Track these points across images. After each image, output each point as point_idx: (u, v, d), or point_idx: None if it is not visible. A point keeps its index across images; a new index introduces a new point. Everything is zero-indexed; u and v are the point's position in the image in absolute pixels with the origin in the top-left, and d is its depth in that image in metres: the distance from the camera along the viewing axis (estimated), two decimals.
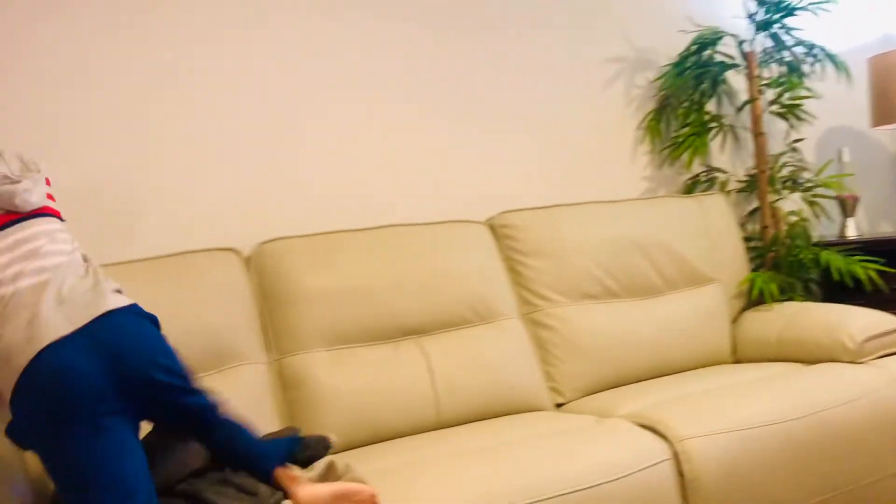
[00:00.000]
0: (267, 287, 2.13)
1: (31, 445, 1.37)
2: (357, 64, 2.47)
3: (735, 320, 2.60)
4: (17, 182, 1.52)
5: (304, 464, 1.70)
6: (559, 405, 2.29)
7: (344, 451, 1.95)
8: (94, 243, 2.10)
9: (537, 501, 1.62)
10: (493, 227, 2.43)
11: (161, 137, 2.24)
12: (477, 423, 2.12)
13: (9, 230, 1.48)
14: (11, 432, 1.37)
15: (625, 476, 1.70)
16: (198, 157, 2.28)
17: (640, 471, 1.72)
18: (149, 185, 2.23)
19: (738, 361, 2.52)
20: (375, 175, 2.47)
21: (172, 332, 1.93)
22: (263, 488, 1.54)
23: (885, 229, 3.36)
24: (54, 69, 2.13)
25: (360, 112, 2.46)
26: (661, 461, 1.76)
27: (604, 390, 2.32)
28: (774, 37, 2.83)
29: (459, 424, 2.13)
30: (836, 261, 2.61)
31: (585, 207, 2.52)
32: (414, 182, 2.51)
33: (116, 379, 1.37)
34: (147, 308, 1.84)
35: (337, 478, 1.70)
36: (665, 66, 2.86)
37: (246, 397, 1.99)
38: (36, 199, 1.54)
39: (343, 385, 2.05)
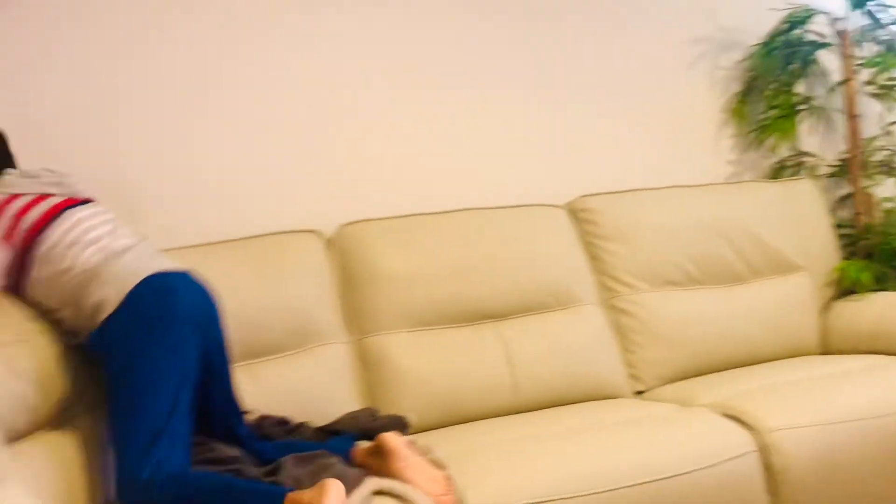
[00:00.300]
0: (348, 268, 2.15)
1: (114, 351, 1.52)
2: (434, 49, 2.46)
3: (824, 310, 2.50)
4: (66, 177, 1.77)
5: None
6: (639, 393, 2.25)
7: (421, 432, 1.96)
8: (181, 226, 2.18)
9: (617, 489, 1.60)
10: (572, 212, 2.40)
11: (248, 124, 2.29)
12: (554, 408, 2.10)
13: (84, 206, 1.70)
14: (96, 340, 1.54)
15: (709, 467, 1.66)
16: (280, 142, 2.32)
17: (724, 462, 1.68)
18: (231, 169, 2.28)
19: (826, 353, 2.43)
20: (454, 159, 2.47)
21: (256, 311, 1.99)
22: (340, 466, 1.56)
23: None
24: (172, 63, 2.20)
25: (440, 97, 2.46)
26: (747, 452, 1.72)
27: (685, 379, 2.27)
28: (870, 14, 2.71)
29: (536, 409, 2.11)
30: None
31: (667, 192, 2.47)
32: (493, 166, 2.50)
33: (205, 321, 1.61)
34: (231, 288, 1.90)
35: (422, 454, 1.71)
36: (752, 46, 2.76)
37: (327, 376, 2.03)
38: (85, 190, 1.77)
39: (421, 367, 2.06)
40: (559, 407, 2.11)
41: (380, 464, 1.58)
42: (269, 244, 2.11)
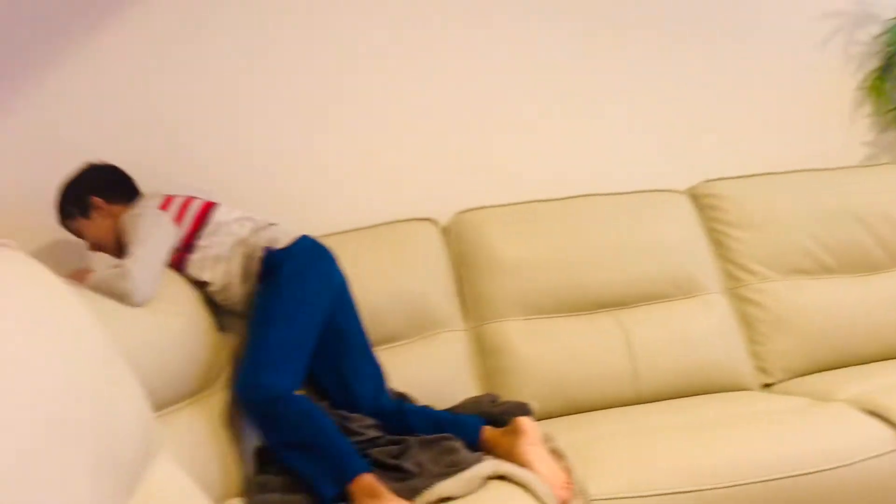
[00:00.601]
0: (464, 256, 2.16)
1: (274, 277, 1.75)
2: (551, 33, 2.42)
3: None
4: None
5: (499, 422, 1.73)
6: (766, 386, 2.15)
7: (539, 420, 1.93)
8: (304, 217, 2.24)
9: (747, 483, 1.54)
10: (695, 197, 2.31)
11: (367, 116, 2.33)
12: (676, 399, 2.04)
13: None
14: (270, 259, 1.78)
15: (848, 465, 1.57)
16: (397, 131, 2.34)
17: (865, 460, 1.59)
18: (351, 160, 2.32)
19: None
20: (572, 145, 2.42)
21: (375, 299, 2.03)
22: (464, 450, 1.57)
23: None
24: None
25: (556, 82, 2.42)
26: (891, 451, 1.61)
27: (817, 372, 2.14)
28: None
29: (657, 400, 2.05)
30: None
31: (798, 175, 2.34)
32: (612, 151, 2.44)
33: (340, 290, 1.90)
34: (351, 276, 1.96)
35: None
36: (891, 19, 2.58)
37: (446, 364, 2.05)
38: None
39: (539, 355, 2.05)
40: (681, 398, 2.05)
41: (508, 443, 1.60)
42: (386, 233, 2.15)
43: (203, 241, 1.83)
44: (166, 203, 1.87)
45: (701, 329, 2.12)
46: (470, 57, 2.38)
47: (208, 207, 1.89)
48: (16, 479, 0.57)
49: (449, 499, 1.38)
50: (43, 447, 0.62)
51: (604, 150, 2.43)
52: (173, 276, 1.76)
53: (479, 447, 1.63)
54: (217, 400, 1.66)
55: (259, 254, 1.79)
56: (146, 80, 2.23)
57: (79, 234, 1.94)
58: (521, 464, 1.55)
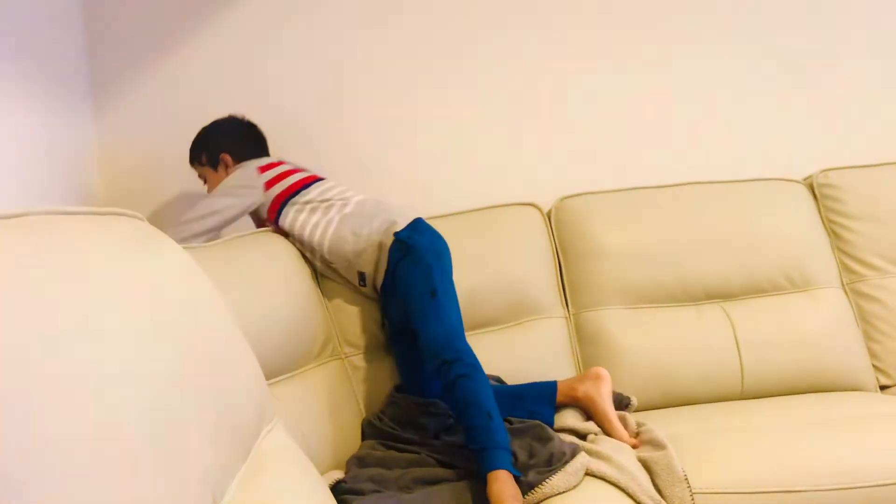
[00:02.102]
0: (566, 242, 2.14)
1: (424, 251, 1.77)
2: (659, 15, 2.36)
3: None
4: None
5: None
6: (883, 387, 2.04)
7: (638, 411, 1.91)
8: (408, 200, 2.27)
9: (853, 488, 1.46)
10: (812, 187, 2.21)
11: (470, 101, 2.34)
12: (785, 397, 1.96)
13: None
14: (406, 236, 1.80)
15: None
16: (501, 116, 2.34)
17: None
18: (455, 143, 2.34)
19: None
20: (679, 130, 2.35)
21: (475, 282, 2.03)
22: (557, 439, 1.56)
23: None
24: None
25: (664, 65, 2.35)
26: None
27: None
28: None
29: (764, 397, 1.98)
30: None
31: None
32: (720, 137, 2.35)
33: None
34: (453, 257, 1.97)
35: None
36: None
37: (544, 350, 2.04)
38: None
39: (641, 345, 2.01)
40: (790, 396, 1.97)
41: (588, 388, 1.73)
42: (489, 217, 2.15)
43: (306, 209, 1.87)
44: (267, 167, 1.93)
45: (814, 325, 2.02)
46: (577, 42, 2.35)
47: (311, 179, 1.93)
48: (145, 437, 0.60)
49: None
50: (169, 407, 0.66)
51: (715, 136, 2.35)
52: (287, 247, 1.82)
53: (557, 405, 1.75)
54: (321, 372, 1.71)
55: (385, 227, 1.82)
56: (264, 57, 2.32)
57: (203, 179, 2.06)
58: (600, 411, 1.70)
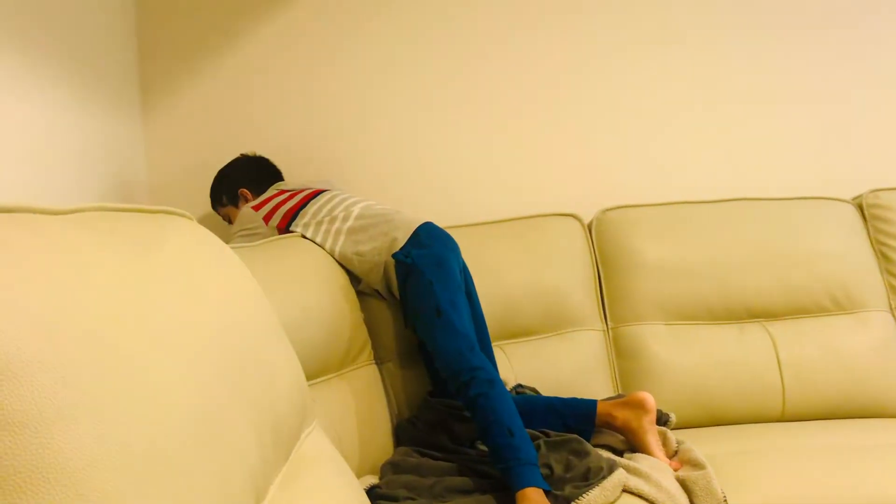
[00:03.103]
0: (606, 254, 2.12)
1: (424, 267, 1.70)
2: (703, 29, 2.33)
3: None
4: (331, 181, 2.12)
5: None
6: None
7: (676, 428, 1.88)
8: (450, 207, 2.27)
9: None
10: (862, 207, 2.16)
11: (514, 112, 2.34)
12: (828, 421, 1.93)
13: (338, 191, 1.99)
14: (404, 255, 1.74)
15: None
16: (545, 127, 2.33)
17: None
18: (497, 153, 2.33)
19: None
20: (725, 147, 2.32)
21: (513, 291, 2.02)
22: (594, 454, 1.54)
23: None
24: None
25: (709, 79, 2.33)
26: None
27: None
28: None
29: (806, 420, 1.95)
30: None
31: None
32: (768, 154, 2.32)
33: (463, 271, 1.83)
34: (491, 267, 1.96)
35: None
36: None
37: (581, 363, 2.02)
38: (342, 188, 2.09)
39: (680, 362, 1.98)
40: (833, 420, 1.93)
41: (629, 417, 1.62)
42: (529, 226, 2.14)
43: (300, 227, 1.87)
44: (260, 205, 1.95)
45: (859, 348, 1.98)
46: (624, 54, 2.33)
47: (304, 200, 1.92)
48: (195, 435, 0.61)
49: None
50: (218, 406, 0.66)
51: (763, 153, 2.32)
52: (323, 252, 1.83)
53: (595, 423, 1.65)
54: (357, 376, 1.71)
55: (387, 245, 1.77)
56: (309, 65, 2.34)
57: (227, 220, 2.13)
58: (641, 441, 1.60)
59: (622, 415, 1.64)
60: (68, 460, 0.46)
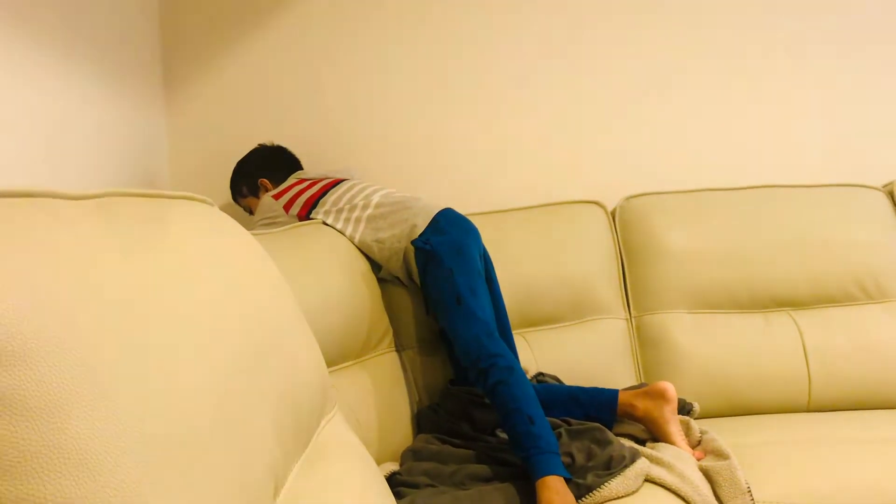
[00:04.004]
0: (630, 242, 2.10)
1: (444, 254, 1.69)
2: (731, 14, 2.29)
3: None
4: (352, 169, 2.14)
5: None
6: None
7: (700, 418, 1.87)
8: (471, 193, 2.26)
9: None
10: (892, 194, 2.12)
11: (538, 99, 2.31)
12: (856, 412, 1.89)
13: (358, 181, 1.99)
14: (423, 242, 1.73)
15: None
16: (570, 114, 2.31)
17: None
18: (520, 140, 2.32)
19: None
20: (752, 133, 2.29)
21: (536, 279, 2.01)
22: (616, 443, 1.52)
23: None
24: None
25: (735, 63, 2.29)
26: None
27: None
28: None
29: (832, 410, 1.92)
30: None
31: None
32: (795, 140, 2.28)
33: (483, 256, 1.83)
34: (514, 255, 1.94)
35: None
36: None
37: (604, 351, 2.00)
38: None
39: (704, 351, 1.96)
40: (862, 411, 1.89)
41: (650, 407, 1.61)
42: (553, 214, 2.12)
43: (320, 215, 1.87)
44: (280, 194, 1.95)
45: (888, 338, 1.94)
46: (647, 41, 2.30)
47: (323, 189, 1.92)
48: (214, 421, 0.60)
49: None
50: (237, 391, 0.66)
51: (790, 139, 2.28)
52: (344, 239, 1.82)
53: (617, 413, 1.64)
54: (377, 363, 1.71)
55: (407, 233, 1.77)
56: (329, 54, 2.33)
57: (248, 210, 2.14)
58: (663, 433, 1.58)
59: (643, 405, 1.62)
60: (84, 446, 0.46)
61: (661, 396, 1.61)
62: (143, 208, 0.74)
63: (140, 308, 0.58)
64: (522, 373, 1.51)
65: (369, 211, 1.83)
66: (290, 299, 0.94)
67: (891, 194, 2.12)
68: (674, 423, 1.60)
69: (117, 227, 0.65)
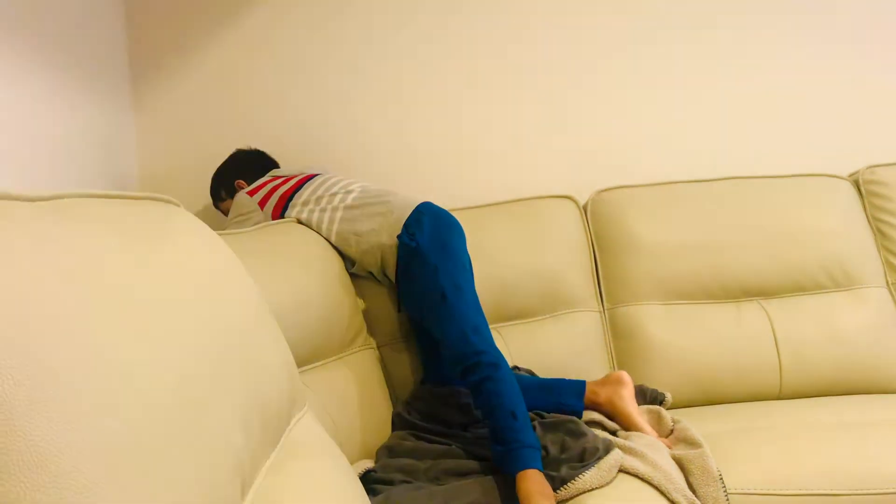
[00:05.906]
0: (602, 235, 2.11)
1: (428, 251, 1.70)
2: (698, 12, 2.31)
3: None
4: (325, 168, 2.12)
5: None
6: None
7: (672, 409, 1.88)
8: (444, 189, 2.26)
9: (889, 493, 1.42)
10: (858, 183, 2.15)
11: (509, 94, 2.32)
12: (825, 398, 1.92)
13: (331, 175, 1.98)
14: (409, 237, 1.73)
15: None
16: (538, 107, 2.32)
17: None
18: (492, 135, 2.32)
19: None
20: (718, 124, 2.31)
21: (509, 274, 2.02)
22: (590, 434, 1.54)
23: None
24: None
25: (703, 55, 2.31)
26: None
27: None
28: None
29: (802, 397, 1.94)
30: None
31: None
32: (762, 132, 2.31)
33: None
34: (487, 250, 1.94)
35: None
36: None
37: (578, 344, 2.01)
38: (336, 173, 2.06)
39: (676, 341, 1.98)
40: (830, 397, 1.92)
41: (609, 393, 1.70)
42: (525, 208, 2.13)
43: (296, 209, 1.86)
44: (255, 190, 1.94)
45: (855, 324, 1.98)
46: (615, 35, 2.31)
47: (299, 183, 1.92)
48: (175, 420, 0.60)
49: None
50: (199, 389, 0.66)
51: (757, 131, 2.31)
52: (316, 236, 1.82)
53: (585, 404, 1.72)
54: (353, 361, 1.71)
55: (388, 226, 1.77)
56: (299, 52, 2.32)
57: (227, 214, 2.12)
58: (623, 413, 1.66)
59: (604, 391, 1.72)
60: (37, 446, 0.45)
61: (617, 382, 1.73)
62: (102, 209, 0.74)
63: (97, 308, 0.57)
64: (508, 368, 1.52)
65: (347, 202, 1.83)
66: (256, 297, 0.93)
67: (856, 183, 2.15)
68: (631, 405, 1.69)
69: (74, 228, 0.64)
